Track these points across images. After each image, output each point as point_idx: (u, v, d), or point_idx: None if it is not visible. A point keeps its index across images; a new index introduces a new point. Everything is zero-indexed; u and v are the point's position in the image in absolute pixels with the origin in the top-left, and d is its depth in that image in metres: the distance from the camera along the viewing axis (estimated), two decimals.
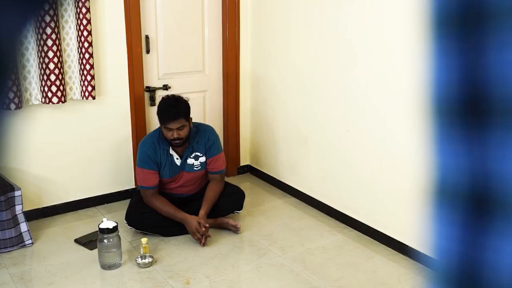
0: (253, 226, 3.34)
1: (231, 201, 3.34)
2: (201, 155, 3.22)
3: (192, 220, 3.05)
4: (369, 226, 3.19)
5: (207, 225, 3.07)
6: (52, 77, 3.14)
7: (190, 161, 3.20)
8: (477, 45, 0.27)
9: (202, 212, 3.12)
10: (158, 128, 3.18)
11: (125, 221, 3.18)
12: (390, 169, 2.98)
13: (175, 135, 3.03)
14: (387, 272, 2.84)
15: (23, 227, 3.01)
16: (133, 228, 3.17)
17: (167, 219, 3.13)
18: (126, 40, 3.48)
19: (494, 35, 0.26)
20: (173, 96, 3.13)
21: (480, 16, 0.27)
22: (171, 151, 3.15)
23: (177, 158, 3.17)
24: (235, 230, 3.22)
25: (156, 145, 3.13)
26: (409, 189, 2.61)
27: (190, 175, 3.24)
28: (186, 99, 3.14)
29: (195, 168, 3.23)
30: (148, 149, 3.12)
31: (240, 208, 3.39)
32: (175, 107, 3.02)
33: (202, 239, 3.05)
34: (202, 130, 3.25)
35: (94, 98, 3.32)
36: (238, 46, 3.98)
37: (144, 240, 2.91)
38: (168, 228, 3.15)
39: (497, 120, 0.27)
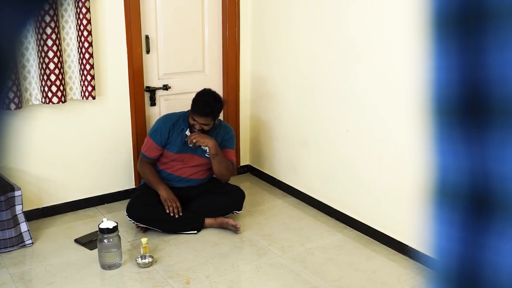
0: (253, 226, 3.34)
1: (231, 201, 3.34)
2: None
3: (167, 190, 3.19)
4: (369, 226, 3.19)
5: (205, 142, 3.15)
6: (52, 77, 3.14)
7: (204, 147, 3.27)
8: (477, 45, 0.27)
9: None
10: (186, 112, 3.30)
11: (125, 213, 3.20)
12: (390, 169, 2.98)
13: (198, 127, 3.18)
14: (387, 272, 2.84)
15: (23, 227, 3.01)
16: (133, 221, 3.18)
17: (167, 214, 3.14)
18: (126, 40, 3.48)
19: (494, 35, 0.26)
20: (214, 94, 3.22)
21: (480, 16, 0.27)
22: (187, 132, 3.25)
23: None
24: (235, 230, 3.22)
25: (175, 122, 3.26)
26: (409, 189, 2.61)
27: (200, 160, 3.31)
28: (224, 102, 3.29)
29: (206, 155, 3.30)
30: (163, 123, 3.27)
31: (240, 208, 3.39)
32: (210, 107, 3.14)
33: (172, 210, 3.13)
34: (224, 125, 3.43)
35: (94, 98, 3.32)
36: (238, 46, 3.98)
37: (144, 240, 2.91)
38: (168, 223, 3.15)
39: (497, 120, 0.27)
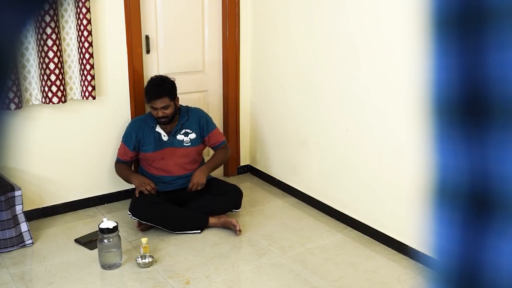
0: (253, 226, 3.34)
1: (229, 200, 3.34)
2: (191, 132, 3.35)
3: (138, 177, 3.29)
4: (369, 226, 3.19)
5: (199, 180, 3.26)
6: (52, 77, 3.14)
7: (179, 137, 3.32)
8: (477, 45, 0.27)
9: (201, 167, 3.35)
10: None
11: (128, 213, 3.21)
12: (390, 169, 2.98)
13: (160, 114, 3.20)
14: (387, 272, 2.84)
15: (23, 227, 3.01)
16: (137, 219, 3.17)
17: (170, 212, 3.15)
18: (126, 40, 3.48)
19: (494, 35, 0.26)
20: (160, 76, 3.31)
21: (480, 16, 0.27)
22: (158, 129, 3.29)
23: (164, 135, 3.30)
24: (235, 231, 3.21)
25: (142, 123, 3.32)
26: (409, 189, 2.62)
27: (180, 151, 3.32)
28: (172, 79, 3.28)
29: (185, 144, 3.33)
30: (132, 127, 3.34)
31: (238, 207, 3.39)
32: (159, 86, 3.19)
33: (147, 190, 3.19)
34: (193, 110, 3.43)
35: (94, 98, 3.32)
36: (238, 46, 3.98)
37: (144, 240, 2.91)
38: (172, 221, 3.15)
39: (497, 120, 0.27)
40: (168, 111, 3.20)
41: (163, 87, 3.18)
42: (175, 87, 3.27)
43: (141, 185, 3.22)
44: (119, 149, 3.39)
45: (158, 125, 3.29)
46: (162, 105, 3.17)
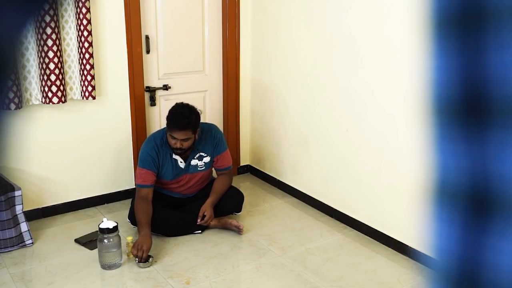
0: (253, 226, 3.34)
1: (230, 203, 3.34)
2: (206, 155, 3.23)
3: (145, 237, 2.89)
4: (369, 226, 3.19)
5: (211, 215, 3.13)
6: (52, 77, 3.14)
7: (194, 162, 3.21)
8: (477, 45, 0.27)
9: (209, 200, 3.17)
10: (164, 129, 3.17)
11: (128, 220, 3.20)
12: (390, 169, 2.98)
13: (178, 145, 3.02)
14: (387, 272, 2.84)
15: (23, 227, 3.01)
16: (137, 227, 3.16)
17: (170, 219, 3.13)
18: (126, 40, 3.48)
19: (494, 35, 0.26)
20: (187, 106, 3.06)
21: (480, 16, 0.27)
22: (175, 156, 3.14)
23: (181, 162, 3.17)
24: (238, 231, 3.21)
25: (159, 147, 3.11)
26: (409, 189, 2.61)
27: (193, 176, 3.25)
28: (199, 111, 3.11)
29: (199, 169, 3.24)
30: (151, 150, 3.11)
31: (239, 210, 3.40)
32: (186, 118, 2.97)
33: (135, 255, 2.83)
34: (207, 129, 3.25)
35: (94, 98, 3.32)
36: (238, 46, 3.98)
37: (129, 238, 2.92)
38: (171, 228, 3.14)
39: (497, 120, 0.27)
40: (187, 144, 3.02)
41: (190, 120, 2.97)
42: (200, 120, 3.09)
43: (138, 245, 2.84)
44: (138, 175, 3.12)
45: (173, 153, 3.13)
46: (183, 137, 2.99)
